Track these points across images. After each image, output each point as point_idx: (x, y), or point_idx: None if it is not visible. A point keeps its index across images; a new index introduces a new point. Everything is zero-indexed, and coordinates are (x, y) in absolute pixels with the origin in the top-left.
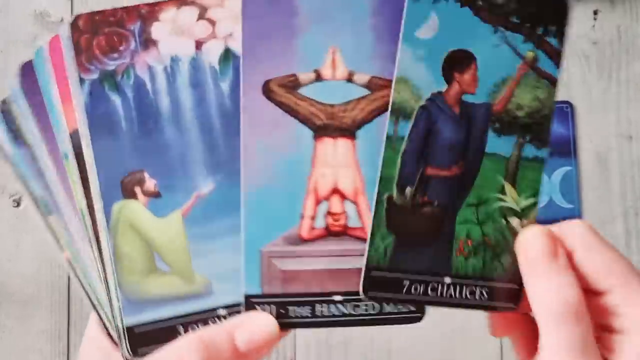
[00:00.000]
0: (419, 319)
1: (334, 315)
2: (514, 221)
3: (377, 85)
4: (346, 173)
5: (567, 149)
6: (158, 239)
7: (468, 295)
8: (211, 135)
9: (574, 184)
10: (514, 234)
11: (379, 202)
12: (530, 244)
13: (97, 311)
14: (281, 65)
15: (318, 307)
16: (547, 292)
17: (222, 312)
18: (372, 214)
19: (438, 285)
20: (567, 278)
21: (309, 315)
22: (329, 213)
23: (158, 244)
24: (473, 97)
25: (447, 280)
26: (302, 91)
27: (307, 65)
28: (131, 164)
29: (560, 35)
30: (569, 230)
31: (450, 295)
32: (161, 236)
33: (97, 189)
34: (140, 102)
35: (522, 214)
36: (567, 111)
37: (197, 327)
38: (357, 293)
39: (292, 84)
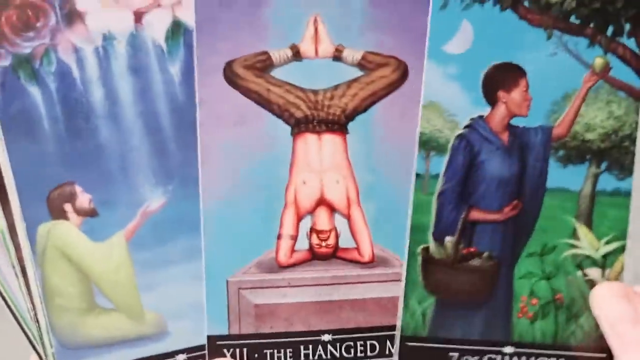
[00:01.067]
0: None
1: None
2: (594, 272)
3: (372, 63)
4: (335, 178)
5: None
6: (97, 269)
7: None
8: (159, 135)
9: None
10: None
11: (411, 256)
12: (607, 305)
13: (36, 351)
14: (247, 40)
15: (303, 349)
16: None
17: (180, 358)
18: (404, 269)
19: (497, 356)
20: None
21: None
22: (314, 231)
23: (97, 275)
24: (525, 121)
25: (508, 349)
26: (276, 74)
27: (281, 39)
28: (59, 174)
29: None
30: None
31: None
32: (100, 265)
33: (18, 207)
34: (66, 94)
35: (603, 263)
36: None
37: None
38: (350, 331)
39: (263, 65)
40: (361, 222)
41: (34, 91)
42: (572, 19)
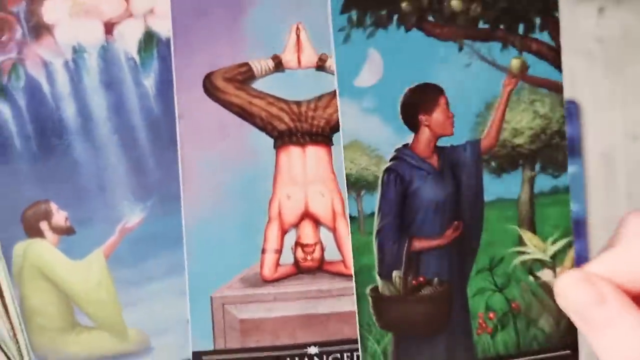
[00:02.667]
0: None
1: None
2: (545, 274)
3: None
4: (320, 191)
5: (573, 149)
6: (76, 287)
7: None
8: (136, 151)
9: (580, 184)
10: (548, 290)
11: (360, 299)
12: (571, 293)
13: None
14: (226, 51)
15: None
16: (609, 354)
17: None
18: (356, 314)
19: None
20: (623, 325)
21: None
22: (299, 244)
23: (77, 294)
24: (452, 139)
25: None
26: (258, 85)
27: (262, 49)
28: (33, 192)
29: (553, 24)
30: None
31: None
32: (80, 283)
33: None
34: (37, 110)
35: (553, 263)
36: (573, 110)
37: None
38: (336, 343)
39: (244, 77)
40: (347, 234)
41: (3, 108)
42: (480, 24)
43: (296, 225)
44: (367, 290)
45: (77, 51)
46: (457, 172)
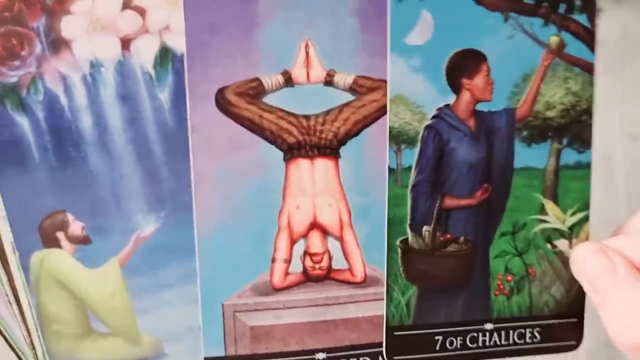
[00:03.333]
0: None
1: None
2: (561, 243)
3: (364, 87)
4: (328, 202)
5: None
6: (92, 295)
7: (516, 340)
8: (150, 162)
9: None
10: (563, 259)
11: (390, 249)
12: (587, 263)
13: None
14: (239, 66)
15: None
16: (613, 319)
17: None
18: (385, 264)
19: (478, 334)
20: (631, 294)
21: None
22: (308, 254)
23: (92, 301)
24: (489, 104)
25: (489, 326)
26: (268, 100)
27: (272, 65)
28: (50, 203)
29: (590, 8)
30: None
31: (495, 343)
32: (95, 291)
33: (10, 237)
34: (55, 123)
35: (570, 234)
36: None
37: None
38: (344, 349)
39: (255, 91)
40: (353, 243)
41: (22, 121)
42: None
43: (305, 235)
44: (397, 242)
45: (95, 65)
46: (491, 137)
